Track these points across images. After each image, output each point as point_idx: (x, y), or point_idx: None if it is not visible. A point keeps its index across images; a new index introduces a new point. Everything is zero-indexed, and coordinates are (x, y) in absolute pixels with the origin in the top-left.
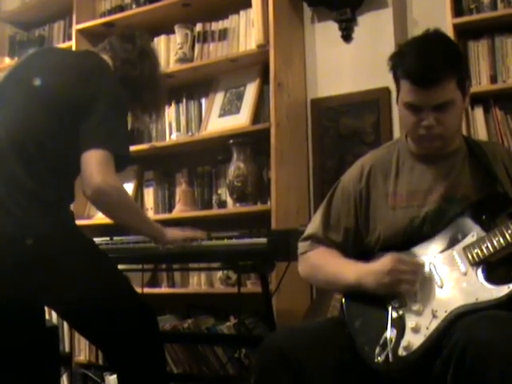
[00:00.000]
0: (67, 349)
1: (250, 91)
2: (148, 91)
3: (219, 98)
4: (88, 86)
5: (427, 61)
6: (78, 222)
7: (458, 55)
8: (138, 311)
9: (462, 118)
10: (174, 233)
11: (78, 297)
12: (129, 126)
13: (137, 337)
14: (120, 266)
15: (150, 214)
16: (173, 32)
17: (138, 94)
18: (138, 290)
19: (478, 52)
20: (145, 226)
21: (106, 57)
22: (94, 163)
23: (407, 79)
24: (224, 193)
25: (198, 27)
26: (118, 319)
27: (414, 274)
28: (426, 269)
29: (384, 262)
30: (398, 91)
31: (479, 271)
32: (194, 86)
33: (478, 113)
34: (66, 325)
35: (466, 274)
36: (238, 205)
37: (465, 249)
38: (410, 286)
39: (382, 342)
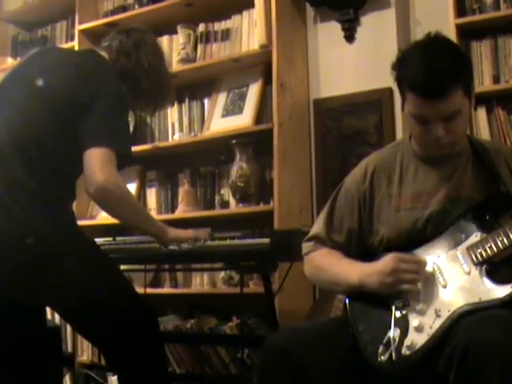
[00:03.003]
0: (70, 349)
1: (253, 91)
2: (148, 80)
3: (222, 99)
4: (88, 84)
5: (433, 73)
6: (81, 223)
7: (463, 61)
8: (138, 312)
9: (468, 122)
10: (176, 232)
11: (78, 297)
12: (131, 126)
13: (137, 337)
14: (123, 267)
15: (153, 215)
16: (175, 32)
17: (138, 85)
18: (141, 290)
19: (481, 52)
20: (147, 224)
21: (103, 53)
22: (96, 161)
23: (413, 92)
24: (227, 193)
25: (201, 27)
26: (119, 320)
27: (416, 273)
28: (430, 269)
29: (386, 262)
30: (404, 100)
31: (482, 271)
32: (196, 87)
33: (481, 113)
34: (68, 325)
35: (469, 273)
36: (240, 205)
37: (468, 249)
38: (413, 286)
39: (385, 341)
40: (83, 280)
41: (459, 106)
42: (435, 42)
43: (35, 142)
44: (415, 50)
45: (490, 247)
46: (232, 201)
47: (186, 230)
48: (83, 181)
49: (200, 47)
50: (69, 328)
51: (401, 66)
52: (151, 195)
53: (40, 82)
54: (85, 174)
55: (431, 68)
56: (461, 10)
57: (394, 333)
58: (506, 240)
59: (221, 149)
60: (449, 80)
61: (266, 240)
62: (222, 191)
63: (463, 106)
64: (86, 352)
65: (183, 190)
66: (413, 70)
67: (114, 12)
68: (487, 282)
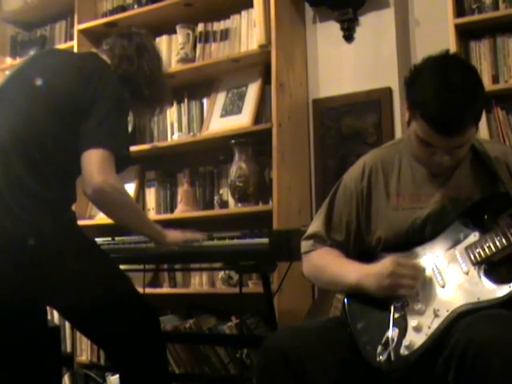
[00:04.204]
0: (69, 349)
1: (252, 91)
2: (149, 87)
3: (221, 98)
4: (89, 86)
5: (450, 111)
6: (80, 223)
7: (482, 96)
8: (139, 311)
9: None
10: (174, 234)
11: (80, 297)
12: (130, 127)
13: (139, 337)
14: (122, 267)
15: (152, 214)
16: (174, 32)
17: (139, 90)
18: (140, 290)
19: (480, 52)
20: (145, 227)
21: (104, 56)
22: (95, 163)
23: (427, 124)
24: (226, 193)
25: (200, 27)
26: (120, 319)
27: (413, 279)
28: (428, 268)
29: (385, 265)
30: (411, 117)
31: (481, 271)
32: (195, 86)
33: None
34: (67, 325)
35: (467, 273)
36: (239, 205)
37: (467, 248)
38: (409, 291)
39: (383, 341)
40: (84, 280)
41: (469, 137)
42: (451, 67)
43: (37, 142)
44: (430, 74)
45: (489, 247)
46: (231, 201)
47: (184, 231)
48: (81, 182)
49: (199, 47)
50: (68, 328)
51: (414, 89)
52: (150, 195)
53: (41, 83)
54: (83, 175)
55: (448, 105)
56: (460, 9)
57: (392, 333)
58: (504, 240)
59: (220, 149)
60: (466, 118)
61: (265, 240)
62: (221, 191)
63: (472, 135)
64: (85, 352)
65: (182, 190)
66: (428, 101)
67: (113, 12)
68: (486, 281)
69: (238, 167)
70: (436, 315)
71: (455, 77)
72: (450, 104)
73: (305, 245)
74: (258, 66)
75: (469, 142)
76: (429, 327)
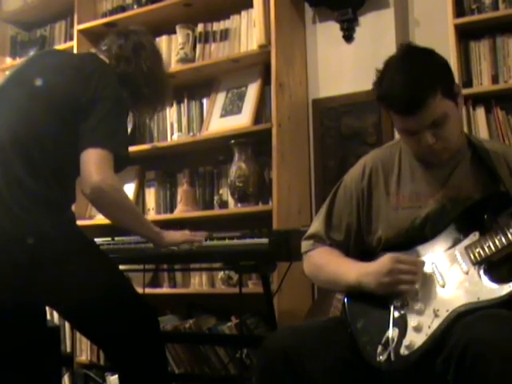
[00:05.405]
0: (69, 349)
1: (252, 91)
2: (148, 85)
3: (221, 99)
4: (89, 86)
5: (404, 87)
6: (79, 223)
7: (436, 66)
8: (138, 311)
9: (461, 122)
10: (173, 235)
11: (79, 297)
12: (129, 127)
13: (138, 337)
14: (121, 267)
15: (152, 215)
16: (174, 32)
17: (139, 90)
18: (140, 290)
19: (480, 52)
20: (143, 228)
21: (102, 56)
22: (93, 162)
23: (391, 110)
24: (225, 193)
25: (200, 27)
26: (119, 320)
27: (413, 273)
28: (428, 268)
29: (383, 262)
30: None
31: (481, 270)
32: (195, 87)
33: (480, 113)
34: (67, 325)
35: (467, 273)
36: (239, 205)
37: (467, 248)
38: (410, 286)
39: (383, 341)
40: (83, 280)
41: (442, 110)
42: (406, 56)
43: (36, 142)
44: (389, 69)
45: (489, 246)
46: (231, 201)
47: (183, 231)
48: (80, 181)
49: (199, 47)
50: (68, 328)
51: (379, 88)
52: (150, 195)
53: (40, 83)
54: (81, 174)
55: (402, 83)
56: (459, 10)
57: (392, 333)
58: (504, 239)
59: (220, 149)
60: (421, 90)
61: (265, 240)
62: (221, 191)
63: (447, 109)
64: (84, 352)
65: (182, 190)
66: (386, 88)
67: (112, 12)
68: (486, 281)
69: (237, 167)
70: (436, 315)
71: (407, 62)
72: (404, 84)
73: (305, 244)
74: (258, 66)
75: (447, 119)
76: (429, 327)
